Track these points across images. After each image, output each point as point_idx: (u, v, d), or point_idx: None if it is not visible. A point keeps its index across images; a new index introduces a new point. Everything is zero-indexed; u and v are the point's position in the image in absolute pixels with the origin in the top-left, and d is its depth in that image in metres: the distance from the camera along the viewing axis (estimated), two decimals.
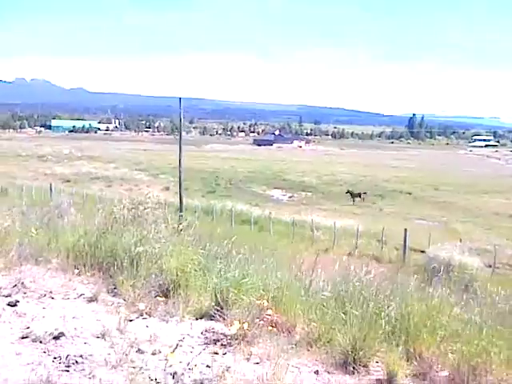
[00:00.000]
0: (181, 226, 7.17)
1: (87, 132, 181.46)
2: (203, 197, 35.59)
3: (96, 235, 5.99)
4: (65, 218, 7.56)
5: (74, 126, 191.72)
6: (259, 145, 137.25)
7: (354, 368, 3.56)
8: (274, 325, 4.19)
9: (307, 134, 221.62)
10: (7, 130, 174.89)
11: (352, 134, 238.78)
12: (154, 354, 3.48)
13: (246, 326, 3.76)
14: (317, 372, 3.51)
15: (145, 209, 7.09)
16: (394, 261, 17.67)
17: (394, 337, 3.91)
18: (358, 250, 19.13)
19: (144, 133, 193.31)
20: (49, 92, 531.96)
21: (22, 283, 4.96)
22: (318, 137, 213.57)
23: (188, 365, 3.23)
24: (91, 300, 4.75)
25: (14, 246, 5.77)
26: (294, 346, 3.96)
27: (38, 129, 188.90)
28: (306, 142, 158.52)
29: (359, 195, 44.59)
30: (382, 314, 4.09)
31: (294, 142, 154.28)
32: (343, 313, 4.12)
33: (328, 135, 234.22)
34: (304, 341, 4.01)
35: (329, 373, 3.53)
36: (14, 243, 5.87)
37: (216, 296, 4.58)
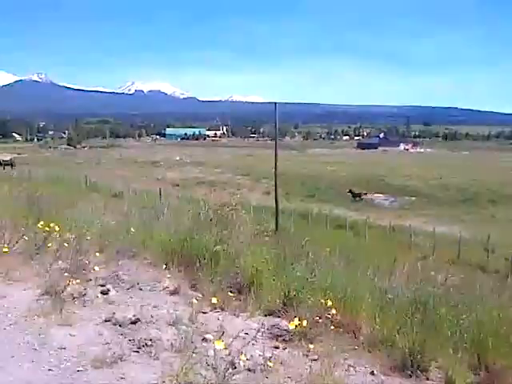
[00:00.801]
0: (263, 228, 7.44)
1: (197, 139, 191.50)
2: (302, 201, 35.83)
3: (184, 234, 6.47)
4: (160, 218, 8.23)
5: (185, 134, 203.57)
6: (363, 148, 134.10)
7: (412, 372, 3.53)
8: (337, 324, 4.26)
9: (415, 137, 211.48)
10: (127, 139, 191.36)
11: (466, 135, 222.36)
12: (219, 340, 3.78)
13: (304, 323, 3.89)
14: (372, 373, 3.54)
15: (230, 210, 7.51)
16: (502, 271, 16.33)
17: (460, 344, 3.78)
18: (460, 258, 17.96)
19: (250, 139, 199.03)
20: (164, 102, 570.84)
21: (117, 275, 5.57)
22: (426, 139, 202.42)
23: (244, 354, 3.47)
24: (173, 293, 5.19)
25: (115, 243, 6.48)
26: (355, 346, 4.02)
27: (154, 137, 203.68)
28: (414, 145, 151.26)
29: (359, 195, 44.26)
30: (449, 319, 3.97)
31: (401, 144, 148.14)
32: (408, 317, 4.07)
33: (438, 137, 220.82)
34: (366, 342, 4.04)
35: (385, 375, 3.55)
36: (115, 240, 6.59)
37: (284, 294, 4.79)
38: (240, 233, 6.96)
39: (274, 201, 20.19)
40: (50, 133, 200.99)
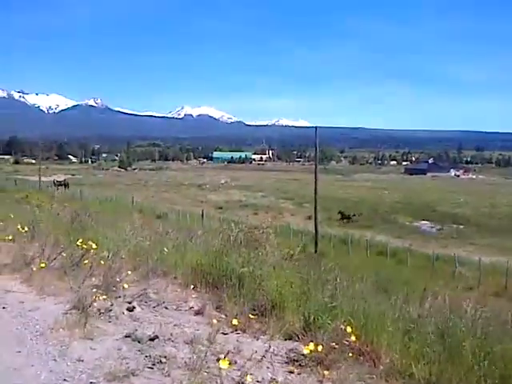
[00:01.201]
0: (292, 251, 7.43)
1: (243, 162, 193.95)
2: (344, 226, 35.24)
3: (213, 256, 6.57)
4: (193, 239, 8.40)
5: (231, 157, 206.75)
6: (411, 174, 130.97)
7: None
8: (355, 352, 4.19)
9: (467, 162, 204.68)
10: (175, 162, 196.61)
11: None
12: (230, 363, 3.80)
13: (320, 348, 3.85)
14: None
15: (261, 233, 7.59)
16: None
17: (484, 377, 3.62)
18: (507, 290, 16.93)
19: (295, 163, 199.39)
20: (212, 126, 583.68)
21: (146, 293, 5.71)
22: (479, 165, 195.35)
23: (253, 376, 3.49)
24: (198, 313, 5.26)
25: (147, 262, 6.66)
26: (372, 375, 3.93)
27: (202, 160, 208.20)
28: (465, 171, 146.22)
29: (349, 217, 44.79)
30: (474, 352, 3.81)
31: (451, 170, 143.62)
32: (428, 347, 3.95)
33: (491, 163, 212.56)
34: (384, 371, 3.94)
35: None
36: (148, 260, 6.77)
37: (305, 319, 4.75)
38: (269, 255, 7.02)
39: (314, 225, 20.09)
40: (104, 155, 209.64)
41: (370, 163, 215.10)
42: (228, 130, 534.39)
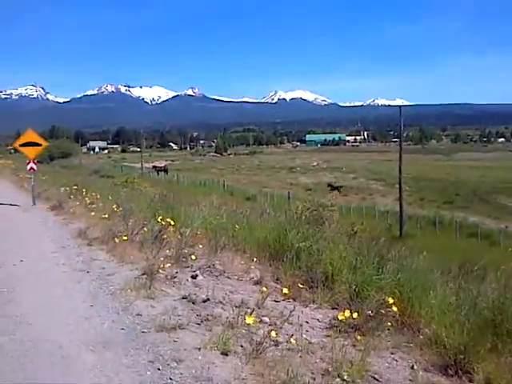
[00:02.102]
0: (355, 229, 7.52)
1: (337, 145, 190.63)
2: (438, 207, 33.51)
3: (277, 232, 6.93)
4: (263, 216, 8.80)
5: (325, 140, 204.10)
6: None
7: (455, 372, 3.48)
8: (395, 322, 4.31)
9: None
10: (269, 146, 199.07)
11: None
12: (270, 324, 4.16)
13: (355, 315, 4.05)
14: (412, 367, 3.58)
15: (323, 211, 7.78)
16: None
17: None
18: None
19: (391, 143, 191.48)
20: (306, 109, 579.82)
21: (213, 265, 6.23)
22: None
23: (290, 336, 3.81)
24: (256, 283, 5.66)
25: (219, 238, 7.20)
26: (408, 343, 4.05)
27: (295, 143, 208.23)
28: None
29: (337, 188, 46.92)
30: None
31: None
32: (466, 319, 3.95)
33: None
34: (420, 341, 4.03)
35: (425, 371, 3.55)
36: (220, 235, 7.32)
37: (352, 289, 4.95)
38: (330, 231, 7.21)
39: (399, 206, 19.52)
40: (201, 142, 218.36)
41: (475, 141, 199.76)
42: (322, 112, 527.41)
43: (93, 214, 9.55)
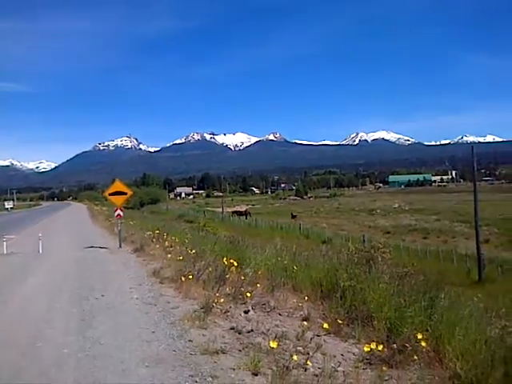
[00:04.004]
0: (407, 270, 7.74)
1: (422, 185, 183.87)
2: None
3: (328, 272, 7.41)
4: (320, 258, 9.26)
5: (409, 180, 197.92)
6: None
7: None
8: (422, 356, 4.61)
9: None
10: (351, 188, 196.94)
11: None
12: (303, 354, 4.65)
13: (380, 347, 4.43)
14: None
15: (375, 252, 8.11)
16: None
17: None
18: None
19: (482, 182, 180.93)
20: (389, 150, 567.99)
21: (268, 302, 6.84)
22: None
23: (319, 364, 4.28)
24: (304, 319, 6.15)
25: (276, 278, 7.81)
26: (434, 376, 4.33)
27: (377, 185, 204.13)
28: None
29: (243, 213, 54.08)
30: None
31: None
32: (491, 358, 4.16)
33: None
34: (442, 373, 4.29)
35: None
36: (279, 276, 7.92)
37: (387, 326, 5.30)
38: (379, 273, 7.52)
39: (476, 249, 18.73)
40: (282, 185, 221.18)
41: None
42: (406, 152, 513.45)
43: (169, 256, 10.58)
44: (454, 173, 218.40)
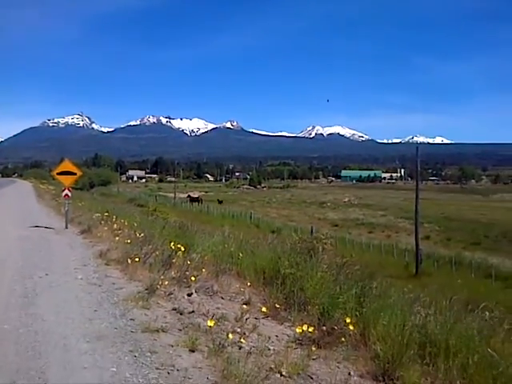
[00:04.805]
0: (345, 260, 8.19)
1: (372, 181, 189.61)
2: (464, 248, 33.14)
3: (271, 260, 7.74)
4: (267, 247, 9.61)
5: (360, 176, 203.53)
6: None
7: (383, 378, 4.16)
8: (349, 338, 5.01)
9: None
10: (304, 180, 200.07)
11: None
12: (240, 334, 4.93)
13: (311, 329, 4.79)
14: (349, 373, 4.28)
15: (317, 243, 8.53)
16: None
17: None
18: None
19: (429, 182, 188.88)
20: (343, 145, 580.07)
21: (212, 286, 7.08)
22: None
23: (252, 343, 4.58)
24: (245, 303, 6.44)
25: (222, 264, 8.05)
26: (358, 357, 4.74)
27: (330, 179, 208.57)
28: None
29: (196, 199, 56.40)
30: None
31: None
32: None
33: None
34: (365, 354, 4.71)
35: (360, 377, 4.24)
36: (224, 262, 8.17)
37: (320, 311, 5.68)
38: (319, 262, 7.94)
39: (415, 245, 19.84)
40: (237, 174, 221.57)
41: None
42: (359, 148, 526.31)
43: (117, 238, 10.59)
44: (402, 171, 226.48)
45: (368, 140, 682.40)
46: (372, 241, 32.44)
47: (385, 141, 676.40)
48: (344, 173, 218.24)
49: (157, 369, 3.71)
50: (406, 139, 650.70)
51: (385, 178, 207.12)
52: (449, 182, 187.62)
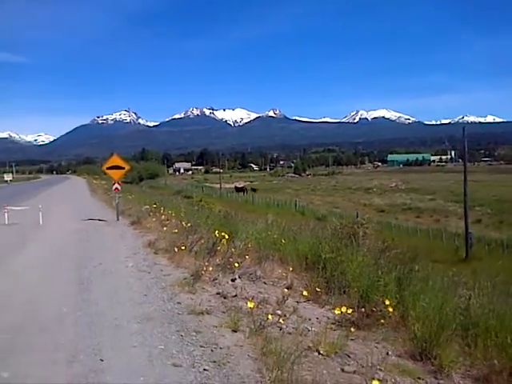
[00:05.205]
0: (387, 245, 8.21)
1: (420, 165, 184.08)
2: None
3: (313, 245, 7.88)
4: (308, 233, 9.74)
5: (407, 160, 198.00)
6: None
7: (421, 358, 4.24)
8: (389, 320, 5.09)
9: None
10: (349, 166, 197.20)
11: None
12: (280, 316, 5.13)
13: (350, 311, 4.91)
14: (387, 353, 4.37)
15: (358, 228, 8.57)
16: None
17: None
18: None
19: (481, 163, 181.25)
20: (388, 129, 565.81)
21: (255, 272, 7.31)
22: None
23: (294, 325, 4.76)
24: (287, 288, 6.63)
25: (265, 250, 8.28)
26: (397, 338, 4.82)
27: (376, 164, 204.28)
28: None
29: (242, 189, 57.85)
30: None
31: None
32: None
33: None
34: (404, 335, 4.79)
35: (398, 356, 4.33)
36: (267, 248, 8.40)
37: (360, 294, 5.78)
38: (360, 246, 8.00)
39: (464, 228, 19.28)
40: (281, 162, 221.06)
41: None
42: (405, 131, 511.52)
43: (164, 228, 11.04)
44: (452, 153, 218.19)
45: (415, 122, 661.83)
46: (420, 226, 31.70)
47: (433, 122, 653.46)
48: (390, 157, 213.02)
49: (201, 347, 3.96)
50: (456, 119, 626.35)
51: (434, 161, 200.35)
52: (502, 162, 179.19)
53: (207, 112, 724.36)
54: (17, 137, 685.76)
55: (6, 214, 14.14)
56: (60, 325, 4.52)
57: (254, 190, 63.75)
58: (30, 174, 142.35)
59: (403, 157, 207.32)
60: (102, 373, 3.47)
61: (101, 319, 4.63)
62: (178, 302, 5.30)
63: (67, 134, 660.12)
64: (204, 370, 3.55)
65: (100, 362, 3.65)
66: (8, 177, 69.17)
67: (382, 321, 5.02)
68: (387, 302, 5.08)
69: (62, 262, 7.92)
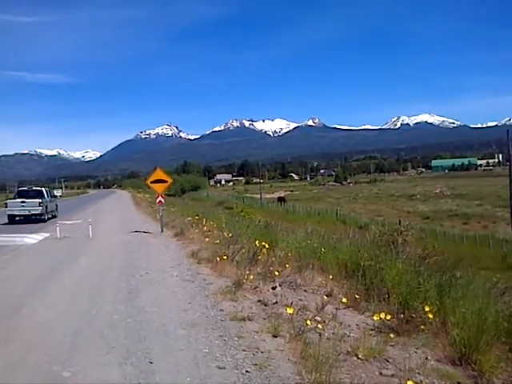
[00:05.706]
0: (427, 252, 8.16)
1: (466, 169, 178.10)
2: None
3: (352, 253, 7.97)
4: (347, 241, 9.78)
5: (453, 165, 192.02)
6: None
7: (460, 362, 4.27)
8: (428, 326, 5.13)
9: None
10: (392, 173, 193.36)
11: None
12: (320, 322, 5.26)
13: (388, 317, 4.98)
14: (426, 358, 4.42)
15: (397, 235, 8.56)
16: None
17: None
18: None
19: None
20: (432, 134, 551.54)
21: (295, 280, 7.48)
22: None
23: (331, 329, 4.89)
24: (326, 295, 6.75)
25: (305, 259, 8.43)
26: (434, 342, 4.86)
27: (419, 170, 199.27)
28: None
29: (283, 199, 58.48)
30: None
31: None
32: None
33: None
34: (444, 340, 4.81)
35: (438, 361, 4.38)
36: (307, 257, 8.55)
37: (399, 300, 5.83)
38: (399, 254, 8.00)
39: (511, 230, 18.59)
40: (322, 171, 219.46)
41: None
42: (450, 136, 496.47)
43: (207, 239, 11.38)
44: (500, 156, 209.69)
45: (460, 126, 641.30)
46: (466, 232, 30.77)
47: (479, 125, 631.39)
48: (435, 162, 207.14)
49: (243, 350, 4.17)
50: (503, 121, 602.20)
51: (481, 165, 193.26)
52: None
53: (247, 123, 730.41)
54: (65, 154, 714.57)
55: (57, 228, 14.92)
56: (112, 330, 4.84)
57: (281, 199, 61.48)
58: (78, 189, 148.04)
59: (448, 162, 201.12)
60: (151, 374, 3.74)
61: (149, 325, 4.93)
62: (221, 309, 5.53)
63: (113, 149, 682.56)
64: (246, 371, 3.75)
65: (149, 364, 3.92)
66: (58, 192, 72.13)
67: (422, 327, 5.06)
68: (427, 309, 5.12)
69: (112, 272, 8.36)
